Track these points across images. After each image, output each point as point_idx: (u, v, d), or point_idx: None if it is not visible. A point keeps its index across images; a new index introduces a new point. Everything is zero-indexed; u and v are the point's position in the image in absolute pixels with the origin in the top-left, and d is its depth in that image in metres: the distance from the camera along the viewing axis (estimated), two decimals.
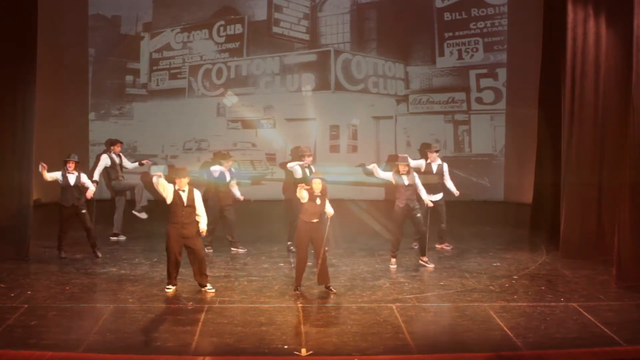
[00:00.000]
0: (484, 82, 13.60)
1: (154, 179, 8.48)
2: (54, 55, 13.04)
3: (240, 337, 6.92)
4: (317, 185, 8.48)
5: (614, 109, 9.98)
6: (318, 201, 8.45)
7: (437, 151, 11.06)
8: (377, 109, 13.75)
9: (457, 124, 13.70)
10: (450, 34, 13.62)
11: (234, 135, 13.78)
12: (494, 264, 10.09)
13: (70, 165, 10.20)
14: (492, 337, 6.98)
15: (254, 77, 13.81)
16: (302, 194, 8.41)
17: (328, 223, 8.54)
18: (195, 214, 8.47)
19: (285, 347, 6.67)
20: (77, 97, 13.64)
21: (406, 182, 9.69)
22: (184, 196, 8.41)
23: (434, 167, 10.92)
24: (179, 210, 8.38)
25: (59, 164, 10.40)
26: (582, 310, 7.77)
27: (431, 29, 13.67)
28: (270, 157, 13.72)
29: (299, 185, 8.58)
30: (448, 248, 11.09)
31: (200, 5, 13.81)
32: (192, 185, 8.56)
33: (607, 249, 9.84)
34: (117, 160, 11.86)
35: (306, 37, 13.80)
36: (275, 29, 13.73)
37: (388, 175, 9.86)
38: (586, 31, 10.02)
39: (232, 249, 10.86)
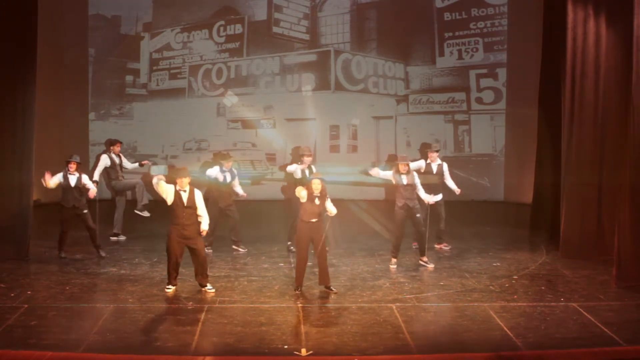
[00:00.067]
0: (484, 82, 13.61)
1: (154, 181, 8.48)
2: (54, 55, 13.04)
3: (240, 337, 6.92)
4: (316, 185, 8.48)
5: (614, 109, 9.98)
6: (317, 201, 8.46)
7: (437, 151, 11.06)
8: (377, 109, 13.75)
9: (457, 124, 13.70)
10: (450, 34, 13.62)
11: (234, 135, 13.79)
12: (494, 264, 10.09)
13: (72, 166, 10.19)
14: (492, 337, 6.98)
15: (254, 77, 13.82)
16: (301, 194, 8.41)
17: (328, 222, 8.54)
18: (197, 215, 8.47)
19: (285, 347, 6.67)
20: (77, 97, 13.65)
21: (405, 182, 9.69)
22: (185, 196, 8.40)
23: (434, 167, 10.92)
24: (179, 211, 8.37)
25: (59, 164, 10.40)
26: (582, 310, 7.77)
27: (431, 29, 13.67)
28: (270, 157, 13.72)
29: (297, 188, 8.57)
30: (447, 248, 11.09)
31: (200, 5, 13.81)
32: (193, 185, 8.56)
33: (607, 249, 9.83)
34: (117, 160, 11.86)
35: (306, 37, 13.81)
36: (275, 29, 13.74)
37: (388, 175, 9.87)
38: (586, 31, 10.02)
39: (233, 246, 10.88)
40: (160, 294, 8.41)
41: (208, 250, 10.36)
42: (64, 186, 10.14)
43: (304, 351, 6.54)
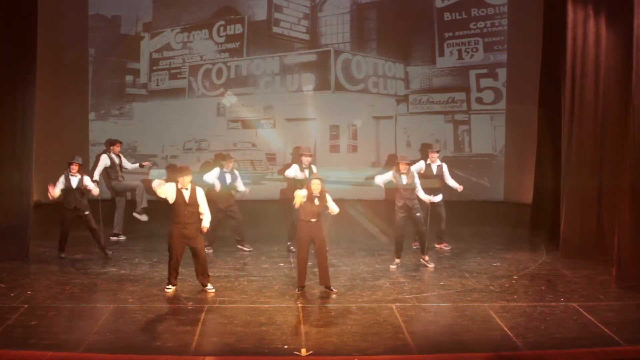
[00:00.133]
0: (484, 82, 13.61)
1: (154, 185, 8.48)
2: (54, 55, 13.04)
3: (240, 337, 6.92)
4: (316, 185, 8.48)
5: (614, 109, 9.98)
6: (317, 201, 8.46)
7: (437, 152, 11.06)
8: (377, 109, 13.75)
9: (457, 124, 13.71)
10: (450, 34, 13.62)
11: (234, 135, 13.79)
12: (494, 264, 10.09)
13: (74, 168, 10.17)
14: (492, 337, 6.98)
15: (254, 77, 13.82)
16: (300, 194, 8.38)
17: (328, 220, 8.54)
18: (198, 213, 8.47)
19: (285, 347, 6.67)
20: (77, 97, 13.64)
21: (405, 182, 9.69)
22: (187, 195, 8.41)
23: (434, 168, 10.92)
24: (181, 209, 8.37)
25: (59, 164, 10.40)
26: (582, 310, 7.77)
27: (431, 29, 13.67)
28: (270, 157, 13.72)
29: (296, 193, 8.55)
30: (447, 248, 11.09)
31: (200, 5, 13.81)
32: (194, 184, 8.58)
33: (607, 249, 9.83)
34: (116, 160, 11.86)
35: (306, 37, 13.81)
36: (275, 29, 13.74)
37: (389, 176, 9.85)
38: (586, 31, 10.02)
39: (238, 246, 10.89)
40: (160, 294, 8.41)
41: (208, 251, 10.36)
42: (66, 188, 10.13)
43: (304, 351, 6.54)
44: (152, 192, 8.90)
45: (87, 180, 10.28)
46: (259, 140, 13.76)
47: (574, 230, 10.28)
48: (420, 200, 9.90)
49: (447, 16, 13.62)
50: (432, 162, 10.95)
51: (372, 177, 10.21)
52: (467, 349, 6.68)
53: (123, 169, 12.01)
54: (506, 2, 13.44)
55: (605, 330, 7.14)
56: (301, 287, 8.53)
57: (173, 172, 8.98)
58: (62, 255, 10.25)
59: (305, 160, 10.72)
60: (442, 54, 13.66)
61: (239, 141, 13.76)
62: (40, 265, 9.84)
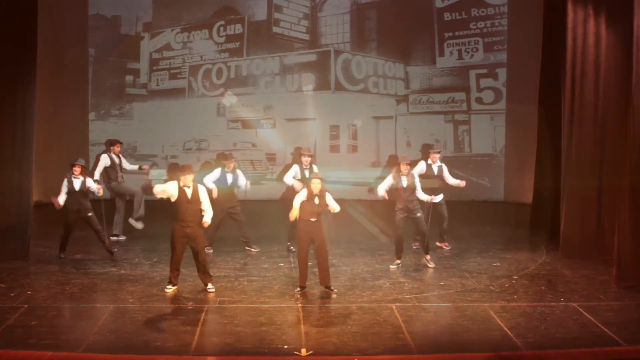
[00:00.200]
0: (484, 82, 13.60)
1: (155, 190, 8.48)
2: (54, 55, 13.04)
3: (240, 337, 6.92)
4: (316, 185, 8.48)
5: (614, 109, 9.98)
6: (317, 200, 8.45)
7: (438, 152, 11.06)
8: (377, 109, 13.75)
9: (457, 124, 13.70)
10: (450, 34, 13.62)
11: (234, 135, 13.79)
12: (494, 264, 10.09)
13: (77, 169, 10.15)
14: (492, 337, 6.97)
15: (254, 77, 13.82)
16: (295, 210, 8.37)
17: (329, 218, 8.53)
18: (200, 211, 8.48)
19: (285, 347, 6.67)
20: (77, 97, 13.64)
21: (405, 184, 9.68)
22: (189, 192, 8.42)
23: (435, 169, 10.93)
24: (183, 207, 8.38)
25: (59, 164, 10.41)
26: (582, 310, 7.77)
27: (431, 29, 13.67)
28: (270, 157, 13.72)
29: (294, 203, 8.53)
30: (447, 248, 11.09)
31: (200, 5, 13.81)
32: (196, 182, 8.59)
33: (607, 249, 9.83)
34: (116, 160, 11.85)
35: (306, 37, 13.81)
36: (275, 29, 13.74)
37: (390, 180, 9.81)
38: (586, 31, 10.02)
39: (246, 247, 10.89)
40: (160, 294, 8.41)
41: (208, 251, 10.36)
42: (68, 190, 10.11)
43: (304, 351, 6.54)
44: (152, 192, 8.89)
45: (89, 182, 10.25)
46: (259, 140, 13.76)
47: (574, 230, 10.27)
48: (420, 200, 9.89)
49: (447, 16, 13.62)
50: (433, 162, 10.95)
51: (374, 190, 10.17)
52: (467, 349, 6.68)
53: (123, 170, 12.00)
54: (506, 2, 13.44)
55: (605, 330, 7.14)
56: (302, 287, 8.53)
57: (175, 171, 8.98)
58: (62, 255, 10.25)
59: (306, 160, 10.73)
60: (442, 54, 13.66)
61: (239, 141, 13.75)
62: (40, 265, 9.84)
